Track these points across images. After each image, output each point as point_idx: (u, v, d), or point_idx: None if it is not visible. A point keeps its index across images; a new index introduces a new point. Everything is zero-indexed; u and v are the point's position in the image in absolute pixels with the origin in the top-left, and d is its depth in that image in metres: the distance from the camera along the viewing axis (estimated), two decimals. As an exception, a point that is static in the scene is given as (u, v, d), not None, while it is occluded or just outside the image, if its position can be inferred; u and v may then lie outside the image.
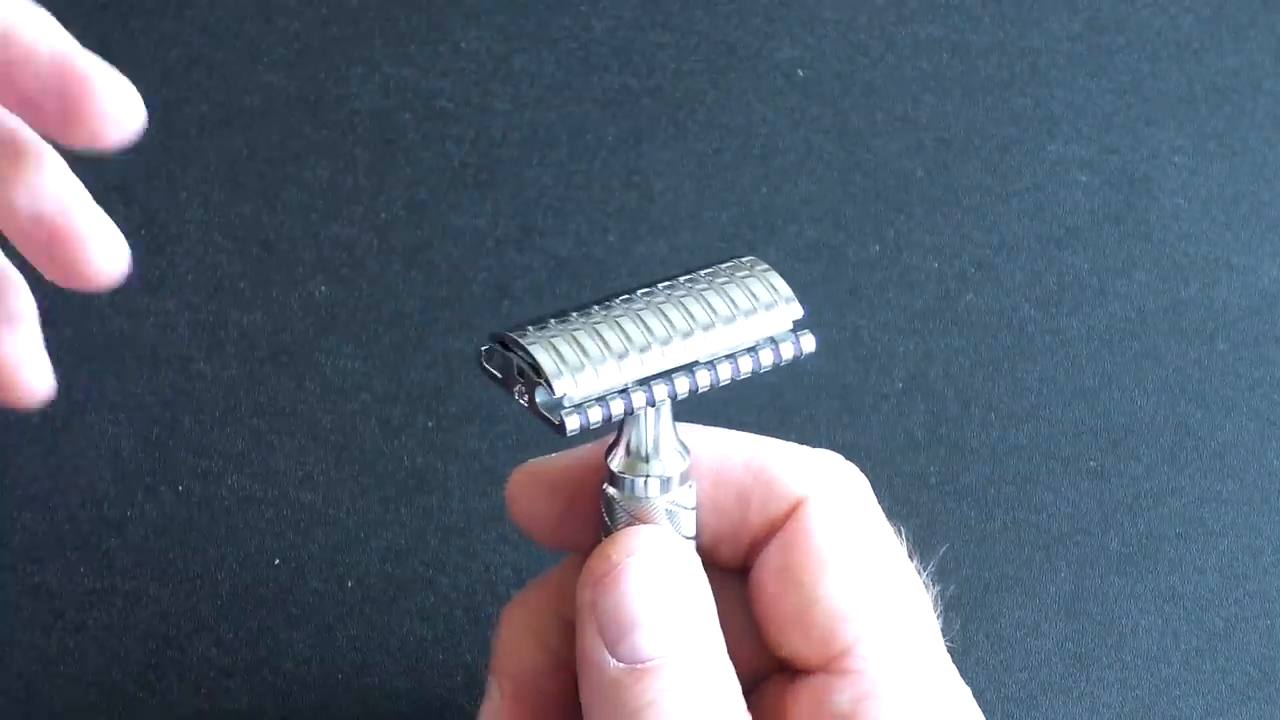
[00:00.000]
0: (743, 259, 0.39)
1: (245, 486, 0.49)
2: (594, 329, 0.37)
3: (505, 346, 0.37)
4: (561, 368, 0.36)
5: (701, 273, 0.39)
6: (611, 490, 0.38)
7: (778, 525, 0.39)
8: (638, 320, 0.37)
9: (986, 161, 0.54)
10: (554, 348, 0.36)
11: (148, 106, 0.47)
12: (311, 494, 0.49)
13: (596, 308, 0.38)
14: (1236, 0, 0.57)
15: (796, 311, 0.38)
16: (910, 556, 0.40)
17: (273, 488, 0.49)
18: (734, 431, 0.40)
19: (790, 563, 0.38)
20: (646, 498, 0.38)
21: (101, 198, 0.51)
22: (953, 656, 0.39)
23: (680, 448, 0.38)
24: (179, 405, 0.50)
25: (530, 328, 0.37)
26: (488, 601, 0.47)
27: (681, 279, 0.38)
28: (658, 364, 0.37)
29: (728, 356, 0.38)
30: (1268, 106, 0.56)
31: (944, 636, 0.39)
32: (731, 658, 0.37)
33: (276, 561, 0.48)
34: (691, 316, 0.38)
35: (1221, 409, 0.52)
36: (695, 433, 0.39)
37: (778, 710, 0.38)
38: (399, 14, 0.54)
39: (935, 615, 0.39)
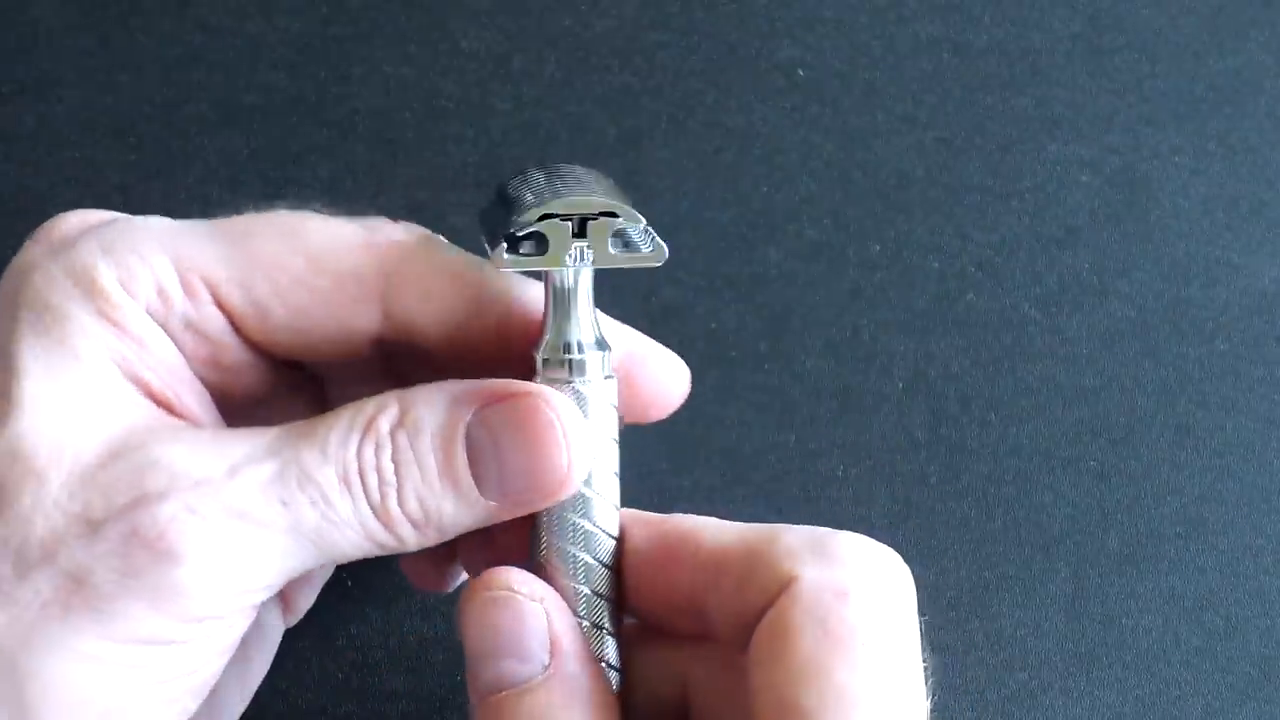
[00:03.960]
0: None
1: (245, 486, 0.49)
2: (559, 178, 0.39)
3: (530, 226, 0.38)
4: (623, 199, 0.38)
5: None
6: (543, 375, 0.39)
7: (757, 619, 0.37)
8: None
9: (986, 161, 0.54)
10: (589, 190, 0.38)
11: (148, 106, 0.47)
12: (311, 494, 0.49)
13: (532, 177, 0.39)
14: (1236, 0, 0.57)
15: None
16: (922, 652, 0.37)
17: (273, 488, 0.49)
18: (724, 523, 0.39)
19: (764, 683, 0.36)
20: (574, 379, 0.39)
21: (102, 198, 0.51)
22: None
23: (600, 335, 0.39)
24: (179, 405, 0.50)
25: (519, 200, 0.38)
26: (488, 601, 0.47)
27: None
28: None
29: None
30: (1268, 106, 0.56)
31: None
32: None
33: (276, 561, 0.48)
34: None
35: (1221, 409, 0.52)
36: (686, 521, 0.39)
37: None
38: (399, 14, 0.54)
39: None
